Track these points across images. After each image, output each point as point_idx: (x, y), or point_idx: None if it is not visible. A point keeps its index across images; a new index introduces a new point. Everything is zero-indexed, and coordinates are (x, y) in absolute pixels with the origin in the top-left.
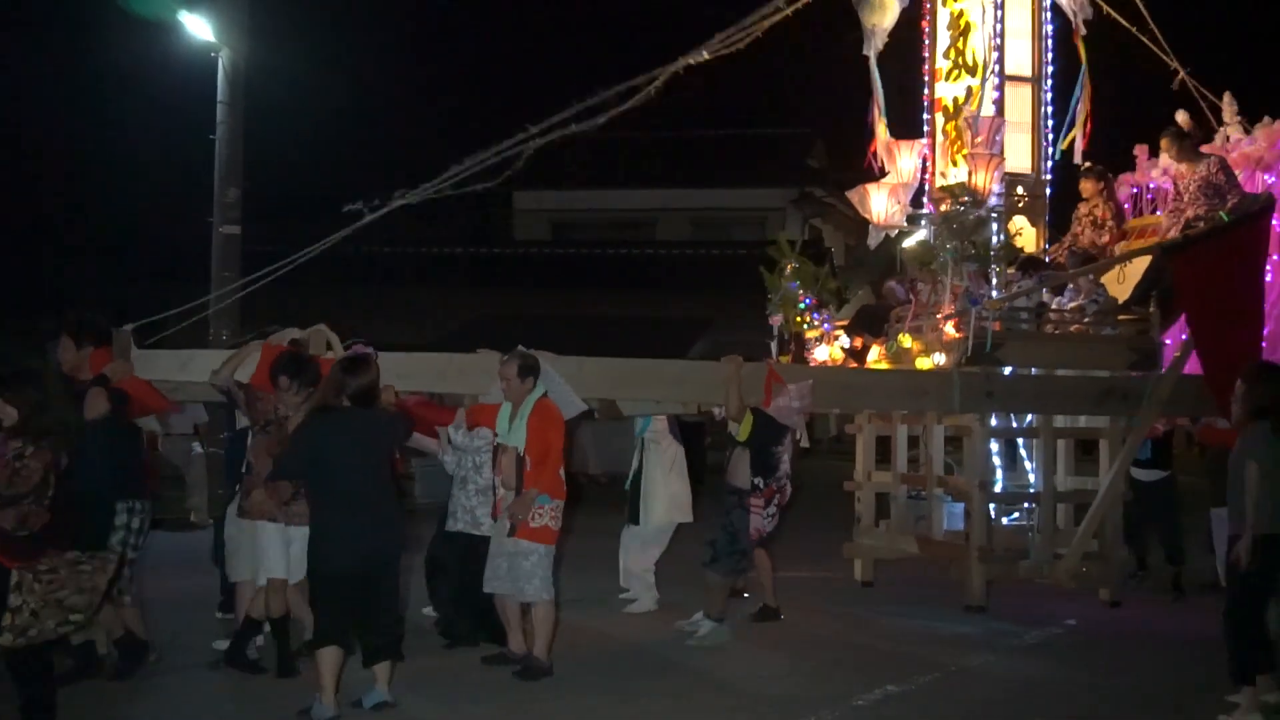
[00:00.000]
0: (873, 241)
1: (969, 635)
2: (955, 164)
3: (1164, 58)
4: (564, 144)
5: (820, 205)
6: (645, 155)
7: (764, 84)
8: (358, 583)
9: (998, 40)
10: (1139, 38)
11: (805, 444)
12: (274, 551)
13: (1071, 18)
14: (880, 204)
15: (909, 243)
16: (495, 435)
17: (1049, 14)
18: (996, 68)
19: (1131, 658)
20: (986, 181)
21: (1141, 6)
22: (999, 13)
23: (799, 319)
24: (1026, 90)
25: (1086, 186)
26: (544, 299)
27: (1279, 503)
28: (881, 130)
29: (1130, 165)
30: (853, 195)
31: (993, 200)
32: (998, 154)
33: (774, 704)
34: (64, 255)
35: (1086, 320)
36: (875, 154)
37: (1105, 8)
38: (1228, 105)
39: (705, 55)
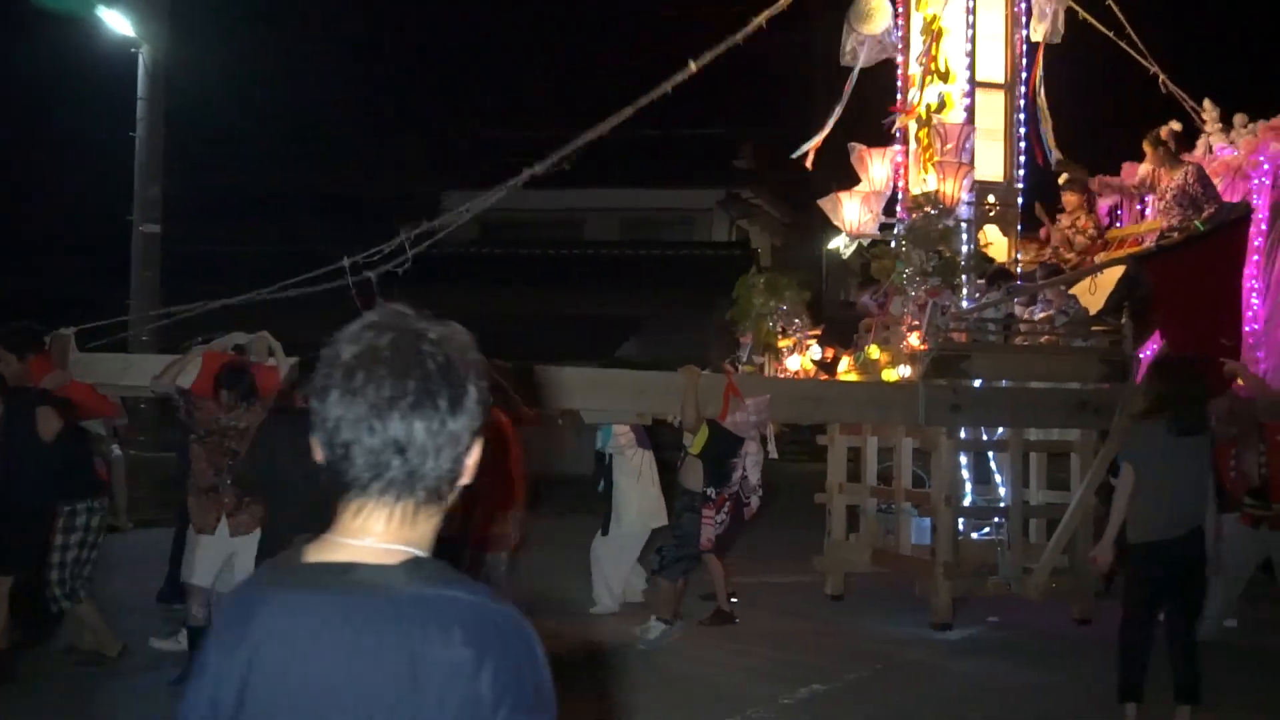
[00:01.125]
0: (845, 251)
1: (915, 636)
2: (928, 171)
3: (1144, 63)
4: (493, 144)
5: (747, 207)
6: (572, 153)
7: (692, 85)
8: None
9: (969, 46)
10: (1118, 43)
11: (774, 455)
12: (206, 561)
13: (1045, 30)
14: (852, 212)
15: (833, 244)
16: None
17: (1024, 19)
18: (968, 74)
19: (1065, 657)
20: (955, 190)
21: (1119, 13)
22: (970, 18)
23: (773, 331)
24: (999, 97)
25: (1070, 199)
26: (472, 298)
27: (1163, 509)
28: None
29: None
30: (825, 203)
31: (963, 209)
32: (967, 162)
33: (701, 701)
34: None
35: (1057, 331)
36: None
37: (1083, 13)
38: (1208, 111)
39: (693, 67)
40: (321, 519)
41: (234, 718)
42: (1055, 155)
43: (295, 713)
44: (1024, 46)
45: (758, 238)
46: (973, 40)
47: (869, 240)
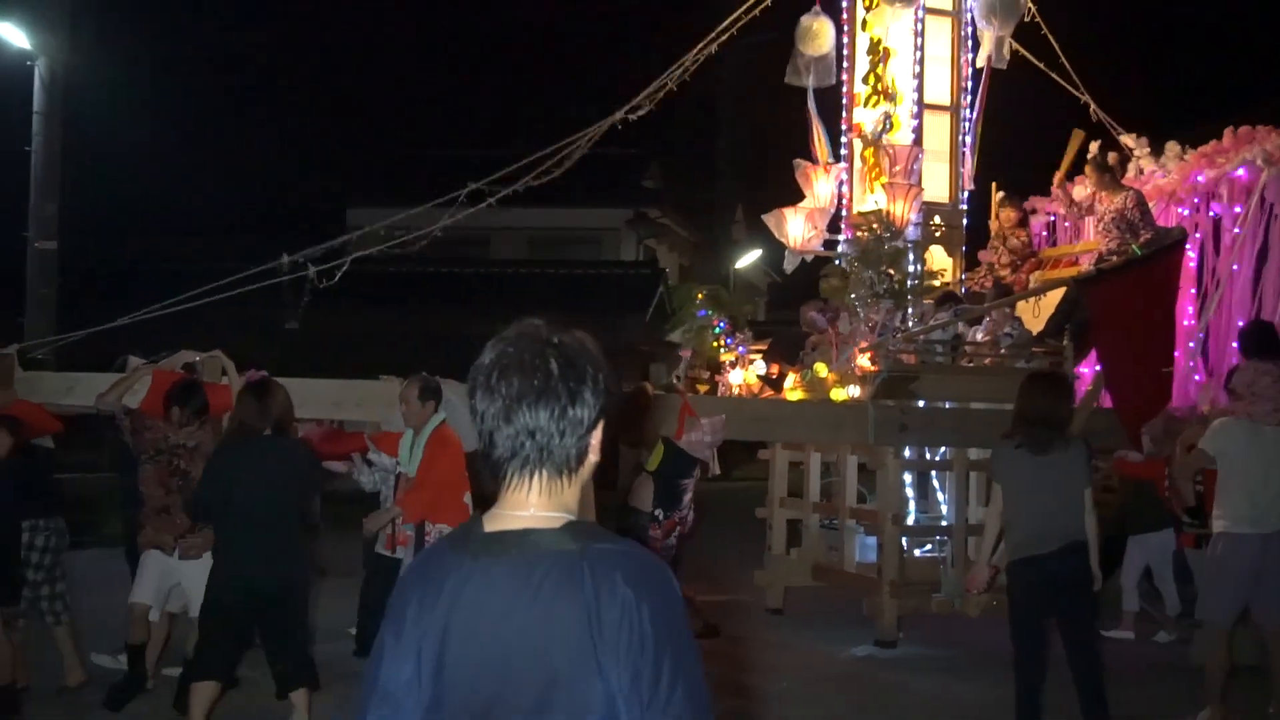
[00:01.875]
0: (789, 266)
1: (857, 651)
2: (872, 190)
3: (1074, 93)
4: (400, 160)
5: (655, 226)
6: (480, 173)
7: (600, 104)
8: (250, 614)
9: (917, 69)
10: (1048, 74)
11: (716, 471)
12: (153, 581)
13: (990, 54)
14: (797, 228)
15: (789, 267)
16: (398, 464)
17: (969, 43)
18: (916, 95)
19: (1004, 672)
20: (905, 211)
21: (1053, 42)
22: (919, 40)
23: (714, 344)
24: (945, 119)
25: (1007, 215)
26: (378, 316)
27: (1030, 526)
28: (822, 156)
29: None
30: (769, 219)
31: (911, 231)
32: (916, 184)
33: None
34: None
35: (1001, 352)
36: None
37: (1014, 44)
38: (1135, 141)
39: (650, 105)
40: (275, 545)
41: (436, 671)
42: (969, 187)
43: (493, 663)
44: (969, 70)
45: (665, 257)
46: (920, 63)
47: (812, 257)
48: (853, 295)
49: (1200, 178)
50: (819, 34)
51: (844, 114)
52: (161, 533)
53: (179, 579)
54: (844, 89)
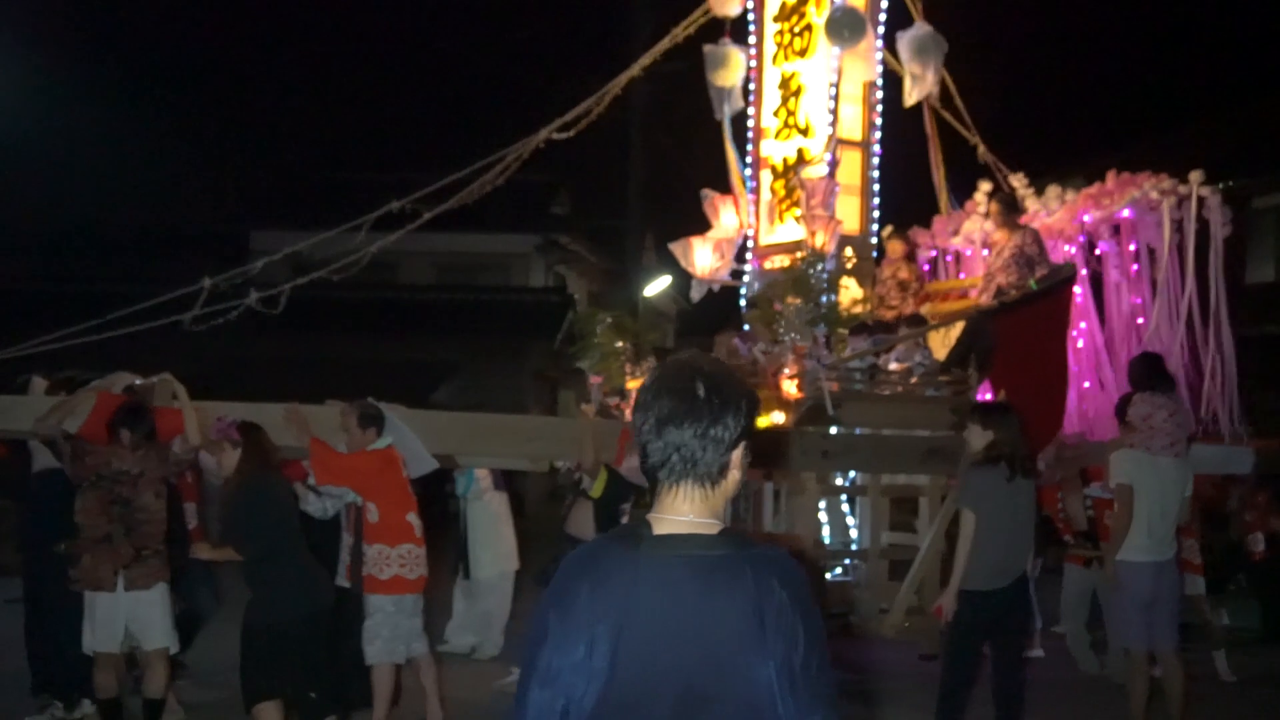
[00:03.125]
0: (695, 295)
1: None
2: (782, 221)
3: (965, 133)
4: (304, 183)
5: (565, 252)
6: (387, 197)
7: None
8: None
9: (832, 104)
10: (941, 113)
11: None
12: (108, 625)
13: (908, 91)
14: (704, 258)
15: (696, 295)
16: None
17: (879, 81)
18: (830, 130)
19: (917, 694)
20: (825, 242)
21: (950, 83)
22: (834, 77)
23: (622, 371)
24: (856, 154)
25: (895, 247)
26: (283, 342)
27: (994, 558)
28: (738, 187)
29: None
30: (676, 248)
31: (828, 262)
32: (834, 216)
33: None
34: None
35: (913, 380)
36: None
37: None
38: (1019, 181)
39: (571, 132)
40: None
41: (612, 654)
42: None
43: (667, 649)
44: (880, 107)
45: (575, 284)
46: (835, 99)
47: (718, 286)
48: (780, 324)
49: (1086, 217)
50: (729, 63)
51: (751, 146)
52: (101, 564)
53: (126, 614)
54: (752, 122)
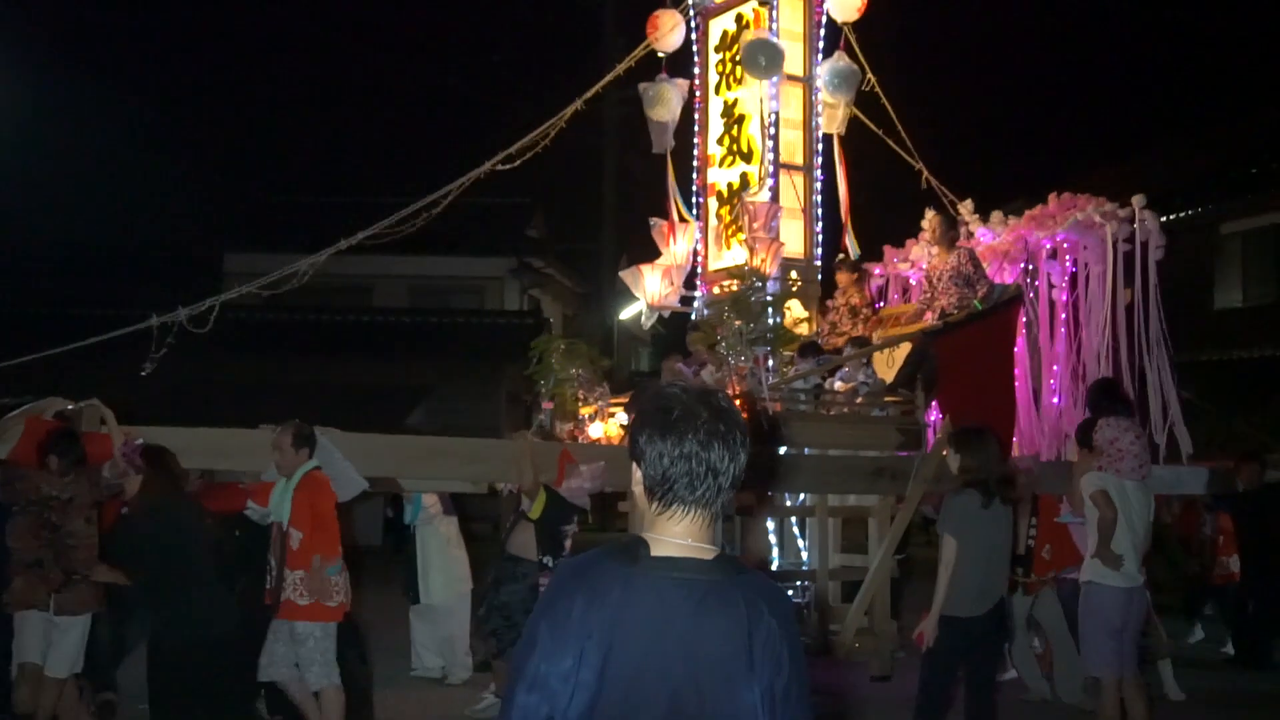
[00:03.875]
0: (646, 322)
1: None
2: (729, 247)
3: (909, 159)
4: (277, 207)
5: (539, 276)
6: (361, 220)
7: (483, 153)
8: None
9: (772, 130)
10: (886, 141)
11: (589, 522)
12: (33, 638)
13: (835, 121)
14: (654, 285)
15: (627, 313)
16: (268, 514)
17: (819, 106)
18: (772, 155)
19: (868, 715)
20: (768, 264)
21: (891, 112)
22: (773, 104)
23: (575, 397)
24: (799, 178)
25: (842, 277)
26: (256, 365)
27: (975, 584)
28: (676, 215)
29: (878, 257)
30: (626, 275)
31: (770, 285)
32: (776, 238)
33: None
34: None
35: (859, 401)
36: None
37: (855, 111)
38: (964, 207)
39: (516, 161)
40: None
41: (600, 667)
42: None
43: (656, 667)
44: (820, 131)
45: (549, 307)
46: (776, 125)
47: (669, 313)
48: (722, 345)
49: (1030, 239)
50: (668, 99)
51: (697, 175)
52: (35, 588)
53: (53, 637)
54: (697, 151)
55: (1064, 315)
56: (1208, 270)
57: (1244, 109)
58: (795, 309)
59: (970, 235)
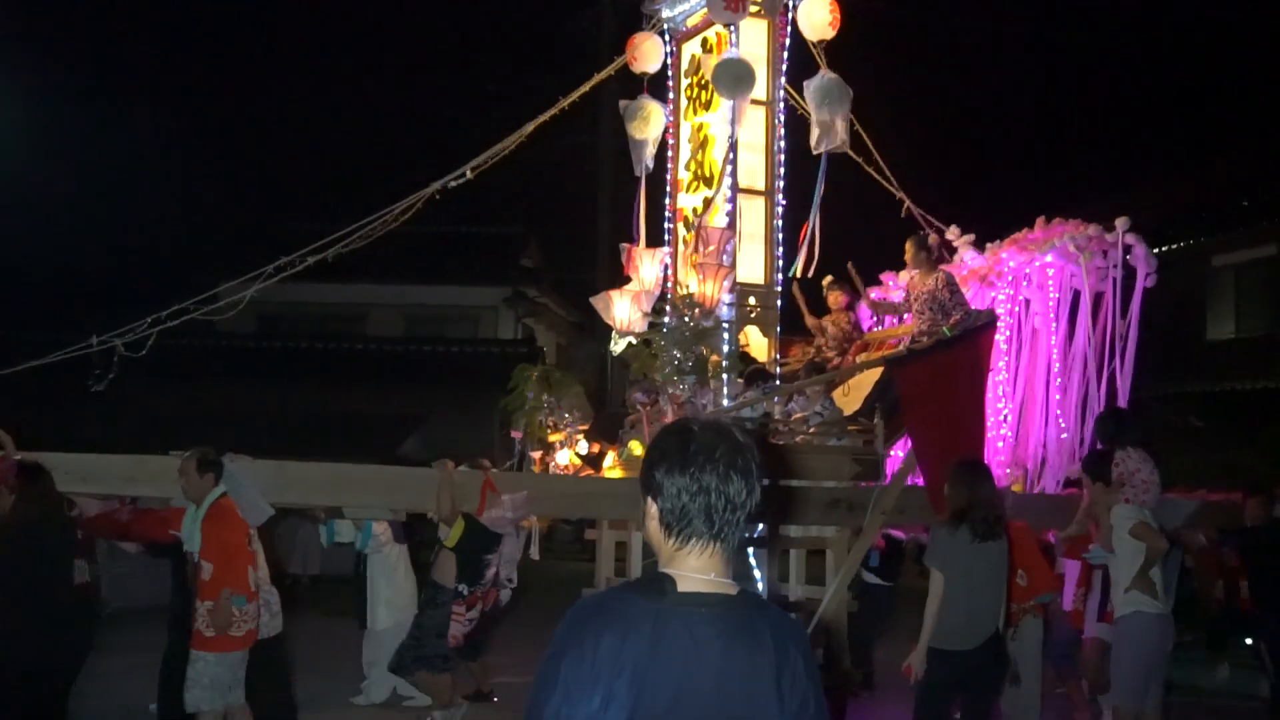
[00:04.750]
0: (615, 348)
1: None
2: (694, 272)
3: (889, 188)
4: (272, 234)
5: (533, 305)
6: (355, 249)
7: (478, 181)
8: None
9: (732, 154)
10: (866, 169)
11: (535, 556)
12: None
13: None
14: (623, 310)
15: (616, 348)
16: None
17: (782, 130)
18: (730, 180)
19: None
20: (715, 291)
21: (867, 140)
22: (732, 128)
23: (543, 426)
24: (760, 203)
25: (835, 298)
26: (249, 394)
27: (963, 617)
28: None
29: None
30: (597, 301)
31: (725, 311)
32: (727, 264)
33: None
34: None
35: (811, 430)
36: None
37: (855, 124)
38: (953, 232)
39: (469, 174)
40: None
41: (632, 705)
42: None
43: (688, 704)
44: (782, 155)
45: (543, 336)
46: (734, 148)
47: (638, 340)
48: (663, 372)
49: (1011, 262)
50: (648, 117)
51: (668, 200)
52: None
53: None
54: (669, 175)
55: (1045, 341)
56: (1200, 302)
57: (1236, 141)
58: (754, 335)
59: (963, 260)
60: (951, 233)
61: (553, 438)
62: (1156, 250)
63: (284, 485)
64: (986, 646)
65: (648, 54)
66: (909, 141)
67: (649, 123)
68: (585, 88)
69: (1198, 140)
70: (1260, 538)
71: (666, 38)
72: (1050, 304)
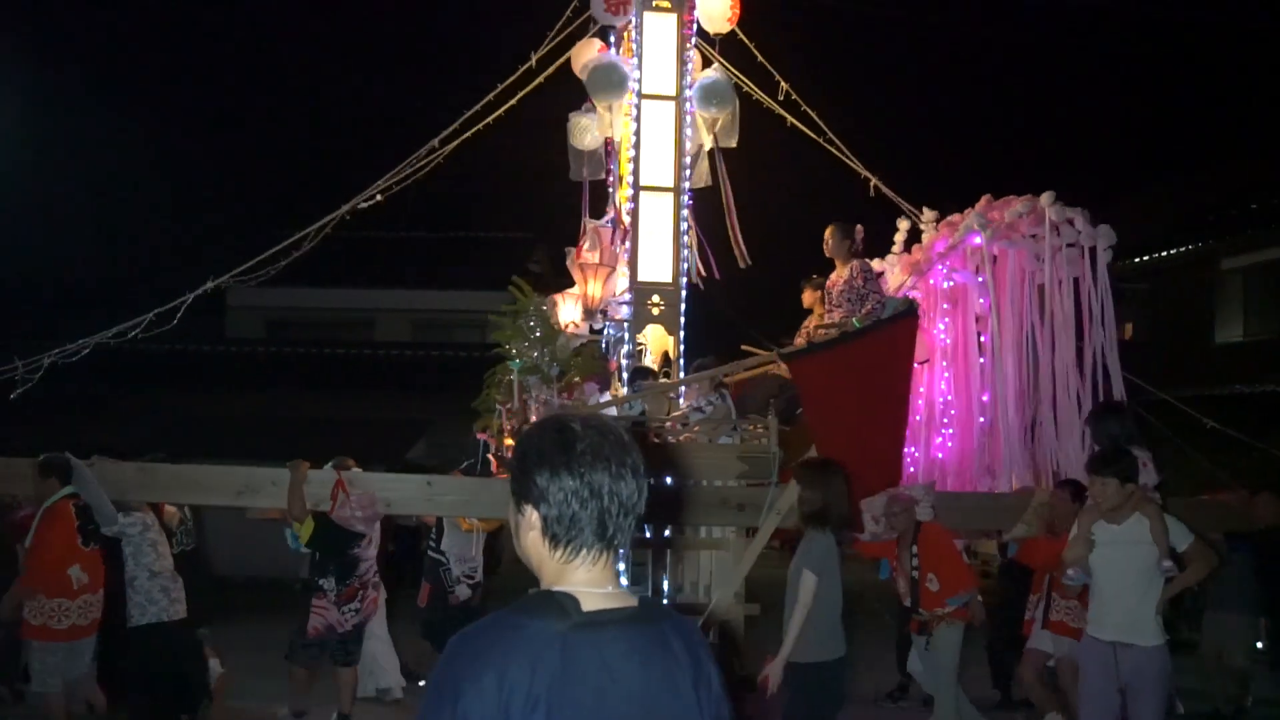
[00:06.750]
0: (563, 351)
1: None
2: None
3: (856, 167)
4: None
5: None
6: (363, 254)
7: (485, 186)
8: None
9: (633, 151)
10: (834, 152)
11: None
12: None
13: (709, 138)
14: (568, 313)
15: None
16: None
17: (689, 130)
18: (632, 178)
19: None
20: (598, 290)
21: (823, 126)
22: (635, 125)
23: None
24: (666, 200)
25: (807, 296)
26: (257, 399)
27: (829, 626)
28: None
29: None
30: (546, 304)
31: (623, 310)
32: (609, 264)
33: None
34: None
35: (695, 428)
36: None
37: (794, 121)
38: (928, 216)
39: (379, 197)
40: None
41: None
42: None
43: None
44: (688, 154)
45: None
46: (637, 146)
47: (583, 341)
48: (525, 377)
49: (940, 246)
50: (587, 129)
51: (611, 205)
52: None
53: None
54: (610, 179)
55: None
56: (1209, 305)
57: (1244, 144)
58: (655, 335)
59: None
60: (926, 216)
61: (508, 441)
62: (1164, 254)
63: (127, 487)
64: (844, 660)
65: (586, 60)
66: (916, 145)
67: (587, 133)
68: (530, 87)
69: (1206, 143)
70: (1275, 539)
71: (611, 40)
72: (980, 284)
